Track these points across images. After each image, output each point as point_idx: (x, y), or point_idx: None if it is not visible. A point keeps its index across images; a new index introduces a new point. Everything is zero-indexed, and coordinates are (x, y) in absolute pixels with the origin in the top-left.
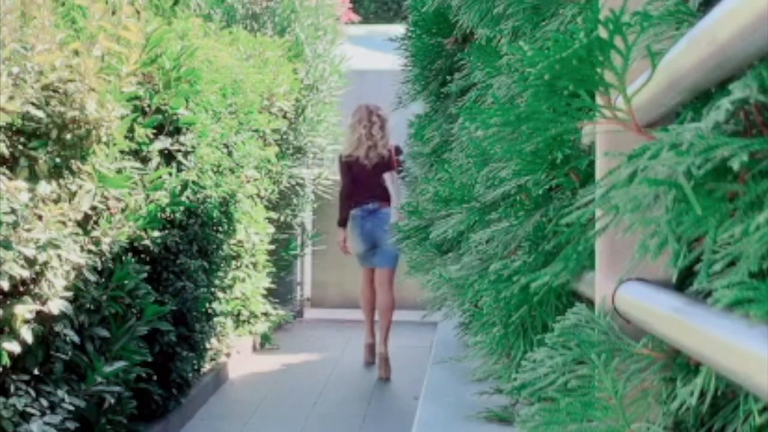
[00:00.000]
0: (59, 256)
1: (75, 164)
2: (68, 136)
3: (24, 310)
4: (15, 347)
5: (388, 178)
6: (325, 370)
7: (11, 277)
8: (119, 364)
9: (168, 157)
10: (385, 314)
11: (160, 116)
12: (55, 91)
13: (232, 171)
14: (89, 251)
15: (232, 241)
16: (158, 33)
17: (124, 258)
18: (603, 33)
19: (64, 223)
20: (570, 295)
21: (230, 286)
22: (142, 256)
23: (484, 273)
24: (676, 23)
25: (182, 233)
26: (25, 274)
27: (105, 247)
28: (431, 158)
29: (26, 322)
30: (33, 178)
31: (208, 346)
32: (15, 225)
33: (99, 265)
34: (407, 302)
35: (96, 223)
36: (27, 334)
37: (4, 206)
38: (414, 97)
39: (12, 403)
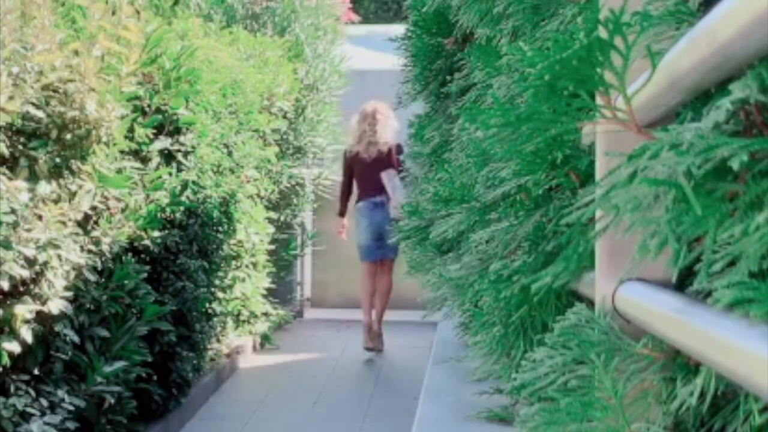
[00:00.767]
0: (59, 256)
1: (75, 164)
2: (68, 136)
3: (24, 310)
4: (15, 347)
5: (385, 176)
6: (325, 370)
7: (11, 277)
8: (119, 364)
9: (168, 157)
10: (383, 297)
11: (160, 116)
12: (55, 91)
13: (232, 171)
14: (89, 251)
15: (232, 241)
16: (158, 33)
17: (124, 258)
18: (603, 33)
19: (64, 223)
20: (570, 295)
21: (230, 286)
22: (142, 256)
23: (484, 273)
24: (676, 23)
25: (182, 233)
26: (25, 274)
27: (105, 247)
28: (431, 158)
29: (26, 322)
30: (33, 178)
31: (208, 346)
32: (15, 225)
33: (99, 265)
34: (407, 302)
35: (96, 223)
36: (27, 334)
37: (4, 206)
38: (414, 97)
39: (12, 403)
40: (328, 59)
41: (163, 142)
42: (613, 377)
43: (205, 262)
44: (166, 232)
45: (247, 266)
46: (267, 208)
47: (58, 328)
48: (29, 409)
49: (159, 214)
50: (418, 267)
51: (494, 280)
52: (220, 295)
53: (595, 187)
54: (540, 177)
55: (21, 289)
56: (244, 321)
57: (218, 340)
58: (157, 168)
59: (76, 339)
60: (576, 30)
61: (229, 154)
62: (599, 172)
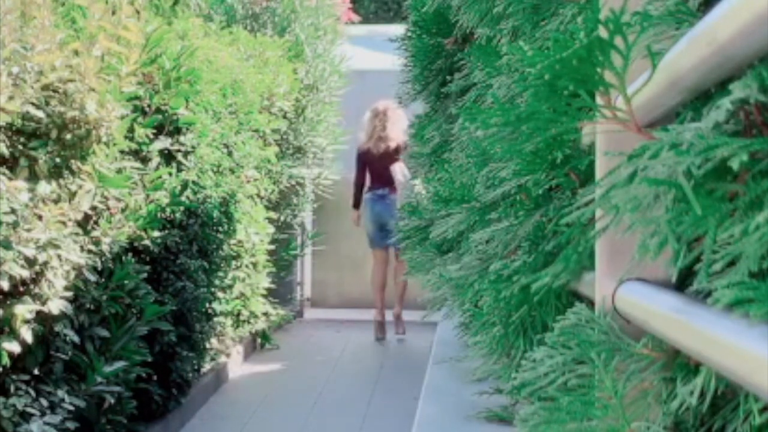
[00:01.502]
0: (59, 256)
1: (75, 164)
2: (68, 136)
3: (24, 310)
4: (15, 347)
5: (398, 169)
6: (325, 370)
7: (11, 277)
8: (119, 364)
9: (168, 157)
10: (400, 285)
11: (160, 116)
12: (55, 91)
13: (232, 171)
14: (89, 251)
15: (232, 241)
16: (158, 33)
17: (124, 258)
18: (603, 33)
19: (64, 223)
20: (570, 295)
21: (230, 286)
22: (142, 256)
23: (484, 273)
24: (676, 23)
25: (182, 233)
26: (25, 274)
27: (105, 247)
28: (431, 158)
29: (26, 322)
30: (33, 178)
31: (208, 346)
32: (15, 225)
33: (99, 265)
34: (408, 302)
35: (96, 223)
36: (27, 334)
37: (4, 206)
38: (414, 97)
39: (12, 403)
40: (328, 59)
41: (163, 142)
42: (613, 377)
43: (205, 262)
44: (166, 232)
45: (247, 266)
46: (267, 208)
47: (58, 328)
48: (29, 409)
49: (159, 214)
50: (418, 267)
51: (494, 280)
52: (220, 295)
53: (595, 187)
54: (540, 177)
55: (21, 289)
56: (244, 321)
57: (218, 340)
58: (157, 168)
59: (76, 339)
60: (576, 30)
61: (229, 154)
62: (599, 172)
